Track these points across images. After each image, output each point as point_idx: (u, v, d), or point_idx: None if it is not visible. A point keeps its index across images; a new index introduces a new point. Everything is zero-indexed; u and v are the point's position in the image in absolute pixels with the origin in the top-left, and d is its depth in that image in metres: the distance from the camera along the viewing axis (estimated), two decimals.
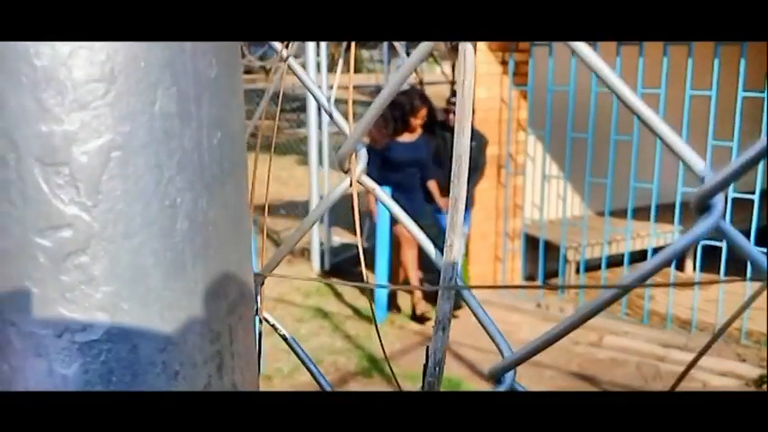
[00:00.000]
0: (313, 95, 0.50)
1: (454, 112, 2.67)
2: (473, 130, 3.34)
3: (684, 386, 0.34)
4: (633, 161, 4.04)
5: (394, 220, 4.07)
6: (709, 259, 3.94)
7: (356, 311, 4.56)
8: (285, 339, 0.51)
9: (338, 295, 4.84)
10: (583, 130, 4.23)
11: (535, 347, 0.36)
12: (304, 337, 4.15)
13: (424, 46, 0.41)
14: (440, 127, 4.38)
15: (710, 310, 3.99)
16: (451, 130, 3.84)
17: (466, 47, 0.40)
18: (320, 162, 5.30)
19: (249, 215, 0.36)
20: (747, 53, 3.67)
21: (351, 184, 0.47)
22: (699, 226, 0.32)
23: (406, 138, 4.31)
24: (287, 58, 0.47)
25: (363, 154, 0.47)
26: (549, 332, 0.35)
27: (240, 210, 0.34)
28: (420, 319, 4.38)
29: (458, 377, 3.58)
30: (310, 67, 4.91)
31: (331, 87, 3.91)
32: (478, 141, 4.32)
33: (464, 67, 0.41)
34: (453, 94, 4.44)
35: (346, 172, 0.47)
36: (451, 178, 0.40)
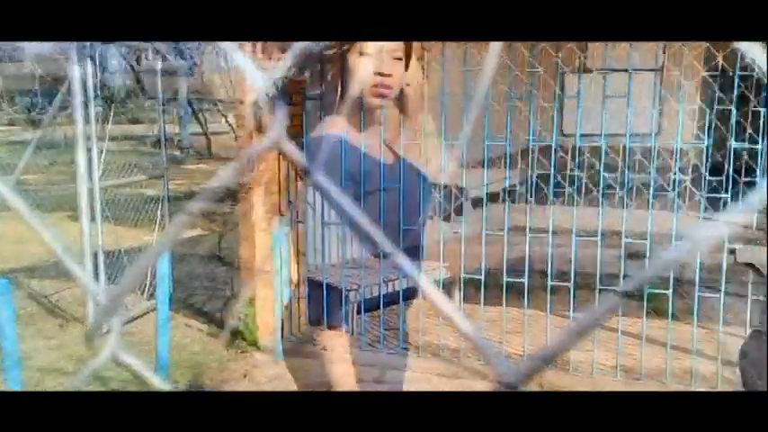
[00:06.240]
0: None
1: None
2: None
3: None
4: (401, 204, 4.38)
5: None
6: (474, 287, 4.36)
7: (134, 375, 4.28)
8: None
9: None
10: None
11: None
12: None
13: None
14: None
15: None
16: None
17: None
18: (92, 217, 4.98)
19: None
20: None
21: None
22: None
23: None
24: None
25: None
26: None
27: None
28: None
29: None
30: (79, 120, 4.64)
31: (102, 139, 3.64)
32: None
33: None
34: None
35: None
36: None
